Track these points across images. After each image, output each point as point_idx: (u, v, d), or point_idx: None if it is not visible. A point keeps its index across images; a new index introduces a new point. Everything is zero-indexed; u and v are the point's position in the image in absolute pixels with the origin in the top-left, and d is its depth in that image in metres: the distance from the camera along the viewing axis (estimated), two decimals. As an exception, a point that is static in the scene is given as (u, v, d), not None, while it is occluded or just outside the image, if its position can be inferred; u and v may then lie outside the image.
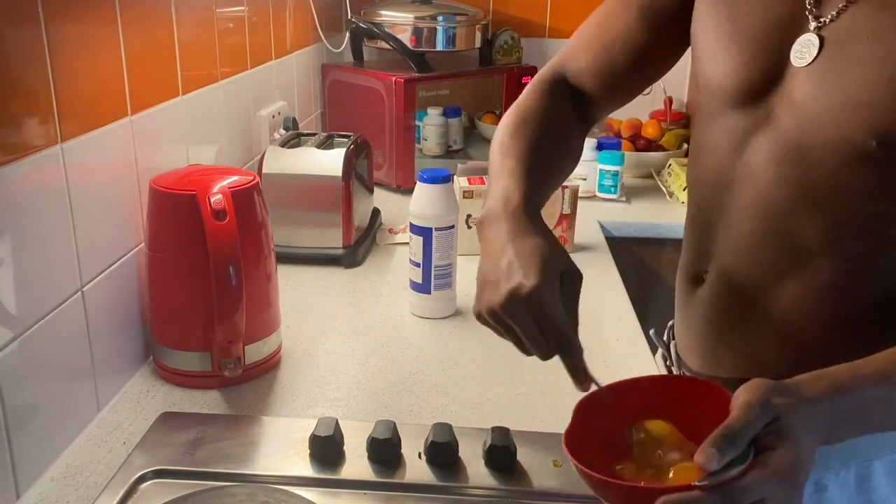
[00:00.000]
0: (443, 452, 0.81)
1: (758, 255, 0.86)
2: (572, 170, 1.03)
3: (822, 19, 0.79)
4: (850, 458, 0.85)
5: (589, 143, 1.79)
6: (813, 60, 0.80)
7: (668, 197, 1.89)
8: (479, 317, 0.77)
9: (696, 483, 0.58)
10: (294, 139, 1.46)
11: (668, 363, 1.00)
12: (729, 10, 0.88)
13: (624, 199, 1.86)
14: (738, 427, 0.62)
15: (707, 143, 0.92)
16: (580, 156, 1.07)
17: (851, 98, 0.77)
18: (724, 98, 0.89)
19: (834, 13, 0.78)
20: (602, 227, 1.69)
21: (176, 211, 0.97)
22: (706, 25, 0.91)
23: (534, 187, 0.83)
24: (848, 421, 0.68)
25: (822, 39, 0.79)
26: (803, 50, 0.81)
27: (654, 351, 1.12)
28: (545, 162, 0.90)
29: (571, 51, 1.04)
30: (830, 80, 0.78)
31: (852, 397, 0.67)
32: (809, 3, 0.80)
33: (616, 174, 1.83)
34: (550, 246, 0.75)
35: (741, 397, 0.63)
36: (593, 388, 0.71)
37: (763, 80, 0.85)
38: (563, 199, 1.47)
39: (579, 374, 0.72)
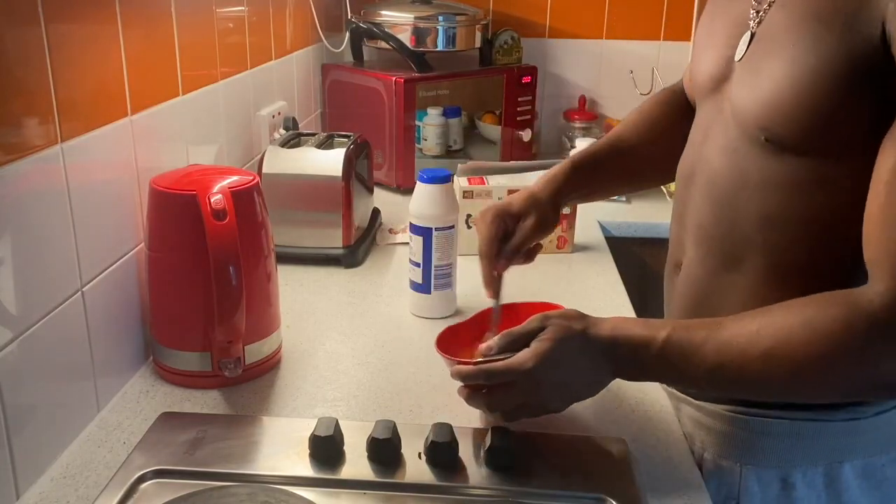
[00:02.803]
0: (443, 452, 0.81)
1: (711, 244, 0.89)
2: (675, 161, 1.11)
3: (760, 15, 0.82)
4: (817, 457, 0.86)
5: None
6: (743, 55, 0.83)
7: (668, 197, 1.89)
8: None
9: (471, 361, 0.83)
10: (294, 139, 1.46)
11: None
12: (714, 8, 0.94)
13: (624, 199, 1.86)
14: (517, 331, 0.83)
15: (689, 137, 0.97)
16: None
17: (755, 92, 0.79)
18: (698, 91, 0.95)
19: (763, 10, 0.81)
20: (602, 227, 1.69)
21: (176, 211, 0.97)
22: (701, 24, 0.95)
23: (570, 173, 1.08)
24: (631, 366, 0.81)
25: (753, 35, 0.82)
26: (741, 45, 0.84)
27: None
28: (613, 155, 1.12)
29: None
30: (750, 74, 0.81)
31: (628, 349, 0.80)
32: (755, 0, 0.83)
33: (616, 174, 1.83)
34: (525, 201, 1.05)
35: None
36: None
37: (719, 74, 0.88)
38: (563, 199, 1.47)
39: (486, 283, 1.01)
